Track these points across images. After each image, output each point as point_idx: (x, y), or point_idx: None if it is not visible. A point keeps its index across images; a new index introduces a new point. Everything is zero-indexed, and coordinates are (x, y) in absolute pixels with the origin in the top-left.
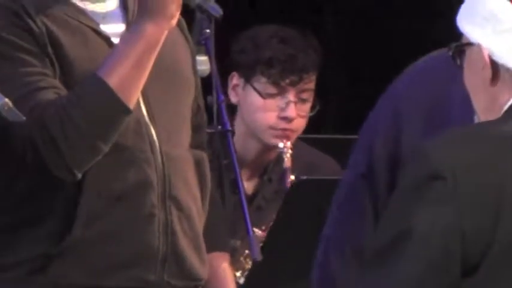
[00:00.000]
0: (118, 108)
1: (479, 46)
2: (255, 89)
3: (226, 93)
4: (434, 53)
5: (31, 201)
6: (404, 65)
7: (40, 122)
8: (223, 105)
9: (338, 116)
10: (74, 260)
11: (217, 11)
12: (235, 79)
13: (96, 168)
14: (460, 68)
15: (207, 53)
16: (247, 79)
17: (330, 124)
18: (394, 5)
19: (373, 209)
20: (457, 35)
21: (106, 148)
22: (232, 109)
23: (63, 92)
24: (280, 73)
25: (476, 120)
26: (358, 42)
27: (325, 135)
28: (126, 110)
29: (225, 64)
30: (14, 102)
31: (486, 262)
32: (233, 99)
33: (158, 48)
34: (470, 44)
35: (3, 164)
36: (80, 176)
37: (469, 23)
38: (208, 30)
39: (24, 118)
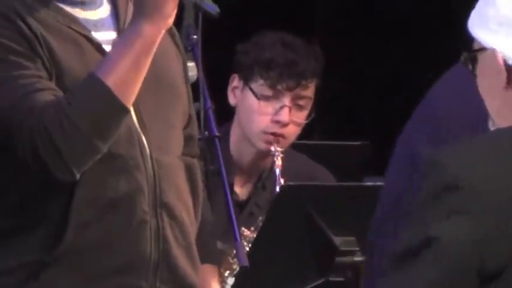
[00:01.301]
0: (116, 108)
1: (493, 51)
2: (251, 90)
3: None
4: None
5: (23, 208)
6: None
7: (39, 123)
8: (210, 112)
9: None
10: (66, 267)
11: (214, 9)
12: (235, 81)
13: (88, 175)
14: (473, 74)
15: (194, 59)
16: (246, 80)
17: (315, 131)
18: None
19: None
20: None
21: (105, 148)
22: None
23: (60, 93)
24: (278, 76)
25: (490, 125)
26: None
27: (312, 142)
28: (124, 110)
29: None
30: (11, 105)
31: (507, 270)
32: (232, 101)
33: (155, 48)
34: (483, 49)
35: (0, 170)
36: (78, 176)
37: (482, 28)
38: (195, 36)
39: None
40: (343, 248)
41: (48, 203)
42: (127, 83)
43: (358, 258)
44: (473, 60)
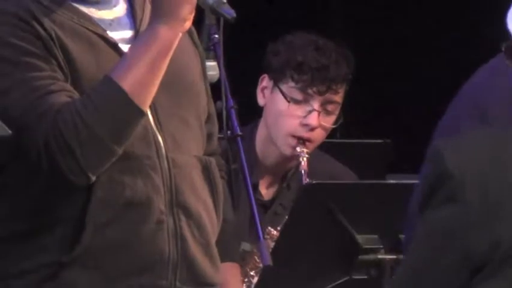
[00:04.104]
0: (132, 111)
1: None
2: (281, 91)
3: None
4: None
5: (41, 209)
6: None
7: (54, 126)
8: (233, 111)
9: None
10: (84, 267)
11: (231, 13)
12: (265, 81)
13: (104, 176)
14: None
15: (216, 58)
16: (276, 81)
17: (337, 129)
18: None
19: None
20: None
21: (120, 150)
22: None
23: (75, 95)
24: (309, 80)
25: None
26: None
27: (334, 140)
28: (140, 113)
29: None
30: (25, 107)
31: (494, 260)
32: (260, 101)
33: (172, 51)
34: None
35: (16, 173)
36: (94, 178)
37: None
38: (217, 36)
39: (10, 132)
40: (366, 246)
41: (65, 205)
42: (143, 86)
43: (381, 256)
44: (510, 53)
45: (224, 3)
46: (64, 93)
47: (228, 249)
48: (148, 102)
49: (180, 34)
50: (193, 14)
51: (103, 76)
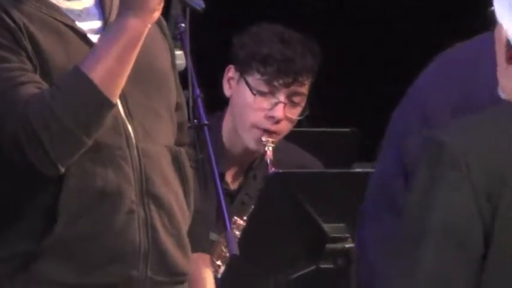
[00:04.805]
0: (101, 103)
1: (501, 25)
2: (247, 83)
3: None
4: (457, 46)
5: (12, 200)
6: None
7: (23, 117)
8: (200, 100)
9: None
10: (56, 257)
11: (200, 4)
12: (231, 72)
13: (75, 166)
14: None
15: (182, 47)
16: (242, 73)
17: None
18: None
19: None
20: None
21: (90, 142)
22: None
23: (44, 86)
24: (275, 72)
25: (501, 93)
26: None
27: (301, 128)
28: (110, 104)
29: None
30: None
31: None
32: (226, 92)
33: (141, 42)
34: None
35: None
36: (63, 170)
37: (498, 2)
38: (183, 25)
39: None
40: (333, 235)
41: (37, 195)
42: (112, 77)
43: (348, 245)
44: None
45: None
46: (33, 85)
47: (198, 240)
48: (118, 93)
49: (149, 25)
50: (162, 5)
51: (72, 67)
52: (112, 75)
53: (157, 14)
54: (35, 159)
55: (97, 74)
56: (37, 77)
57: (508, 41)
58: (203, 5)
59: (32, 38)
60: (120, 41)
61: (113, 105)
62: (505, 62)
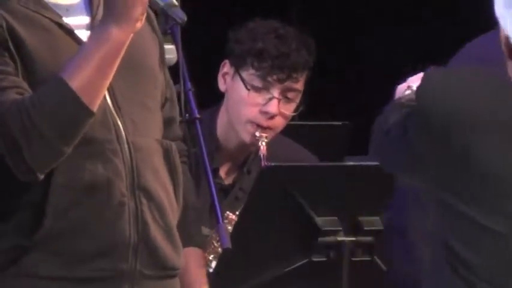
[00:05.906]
0: (81, 112)
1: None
2: (242, 78)
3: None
4: (478, 39)
5: (1, 195)
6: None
7: (2, 124)
8: (191, 93)
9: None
10: (46, 251)
11: (181, 17)
12: (226, 67)
13: (65, 160)
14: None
15: (173, 41)
16: (237, 68)
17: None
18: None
19: None
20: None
21: (69, 150)
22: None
23: (26, 91)
24: (269, 68)
25: None
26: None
27: (293, 122)
28: (89, 113)
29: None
30: None
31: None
32: (221, 87)
33: (123, 52)
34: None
35: None
36: (41, 177)
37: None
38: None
39: None
40: (325, 228)
41: (26, 190)
42: (92, 87)
43: (340, 238)
44: None
45: (175, 5)
46: (15, 90)
47: (191, 234)
48: (97, 102)
49: (131, 35)
50: (145, 15)
51: (55, 74)
52: (92, 84)
53: (139, 24)
54: (13, 165)
55: (77, 83)
56: (19, 81)
57: (507, 38)
58: (185, 18)
59: (16, 37)
60: (102, 50)
61: (93, 115)
62: (507, 58)
